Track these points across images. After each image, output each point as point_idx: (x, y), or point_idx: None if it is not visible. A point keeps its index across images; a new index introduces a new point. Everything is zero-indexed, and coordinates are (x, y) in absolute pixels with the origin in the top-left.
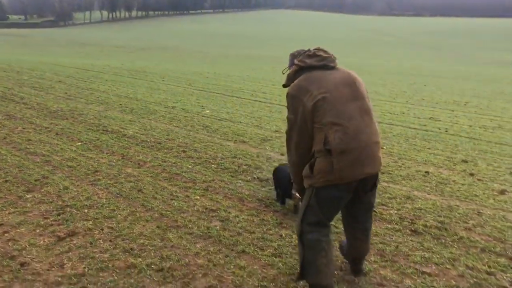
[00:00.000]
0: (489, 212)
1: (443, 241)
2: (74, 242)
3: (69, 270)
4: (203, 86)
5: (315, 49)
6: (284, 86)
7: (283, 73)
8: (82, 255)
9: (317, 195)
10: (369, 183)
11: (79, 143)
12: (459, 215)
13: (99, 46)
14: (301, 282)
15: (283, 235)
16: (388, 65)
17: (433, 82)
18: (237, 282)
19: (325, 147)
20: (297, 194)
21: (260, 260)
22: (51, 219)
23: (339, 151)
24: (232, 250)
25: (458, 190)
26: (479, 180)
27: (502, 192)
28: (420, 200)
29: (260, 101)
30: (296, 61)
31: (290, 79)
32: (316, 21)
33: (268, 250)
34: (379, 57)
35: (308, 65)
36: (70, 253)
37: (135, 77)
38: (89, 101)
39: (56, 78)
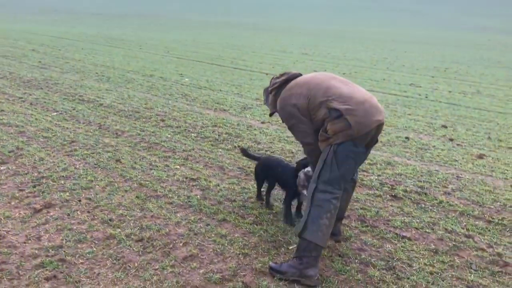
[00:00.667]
0: (467, 177)
1: (423, 205)
2: (51, 214)
3: (46, 242)
4: (182, 53)
5: (275, 76)
6: (271, 114)
7: (270, 116)
8: (59, 227)
9: (335, 151)
10: (378, 134)
11: (55, 113)
12: (438, 179)
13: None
14: (283, 249)
15: (263, 202)
16: (368, 31)
17: (413, 48)
18: (218, 250)
19: (333, 113)
20: (305, 192)
21: (241, 228)
22: (26, 191)
23: (348, 110)
24: (213, 219)
25: (438, 156)
26: (458, 145)
27: (480, 156)
28: (400, 166)
29: (240, 69)
30: (269, 89)
31: (273, 105)
32: None
33: (249, 218)
34: (359, 23)
35: (280, 82)
36: (47, 225)
37: (112, 45)
38: (64, 70)
39: (29, 46)
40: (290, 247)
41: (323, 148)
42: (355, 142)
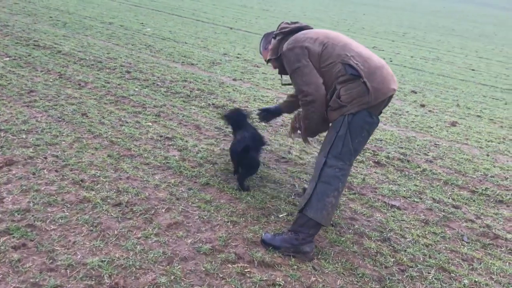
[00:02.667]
0: (445, 144)
1: (407, 173)
2: (13, 172)
3: (11, 205)
4: (140, 2)
5: (286, 22)
6: (268, 61)
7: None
8: (24, 187)
9: (350, 122)
10: (388, 104)
11: (7, 59)
12: (418, 146)
13: None
14: (272, 217)
15: None
16: None
17: (371, 11)
18: (205, 217)
19: (349, 71)
20: (293, 135)
21: (227, 193)
22: None
23: (368, 72)
24: (195, 182)
25: (412, 121)
26: (430, 111)
27: (453, 124)
28: (378, 131)
29: (202, 21)
30: (276, 32)
31: (275, 50)
32: None
33: (233, 183)
34: None
35: (292, 28)
36: (10, 185)
37: None
38: (13, 11)
39: None
40: (280, 215)
41: (333, 118)
42: (370, 112)
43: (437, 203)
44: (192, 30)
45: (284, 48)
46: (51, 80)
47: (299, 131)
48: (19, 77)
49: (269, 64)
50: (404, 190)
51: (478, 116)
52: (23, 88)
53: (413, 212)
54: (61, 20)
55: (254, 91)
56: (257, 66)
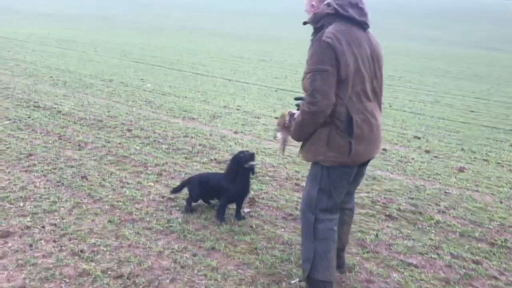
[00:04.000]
0: (455, 192)
1: (420, 226)
2: (9, 244)
3: (5, 283)
4: (140, 57)
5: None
6: (305, 23)
7: (304, 24)
8: (20, 261)
9: (330, 176)
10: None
11: (7, 122)
12: (428, 196)
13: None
14: (284, 284)
15: (254, 226)
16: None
17: None
18: (212, 287)
19: (347, 127)
20: (279, 134)
21: (234, 258)
22: None
23: (360, 136)
24: (200, 247)
25: (419, 169)
26: (435, 157)
27: (461, 169)
28: (386, 181)
29: (202, 74)
30: (334, 2)
31: (316, 20)
32: None
33: (241, 246)
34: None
35: (347, 16)
36: (5, 259)
37: (64, 47)
38: (15, 73)
39: None
40: (292, 282)
41: (307, 159)
42: (346, 165)
43: (456, 258)
44: (191, 84)
45: (323, 37)
46: (50, 142)
47: (279, 133)
48: (18, 140)
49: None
50: (420, 246)
51: (485, 160)
52: (22, 152)
53: (432, 270)
54: (62, 79)
55: (256, 144)
56: (258, 118)
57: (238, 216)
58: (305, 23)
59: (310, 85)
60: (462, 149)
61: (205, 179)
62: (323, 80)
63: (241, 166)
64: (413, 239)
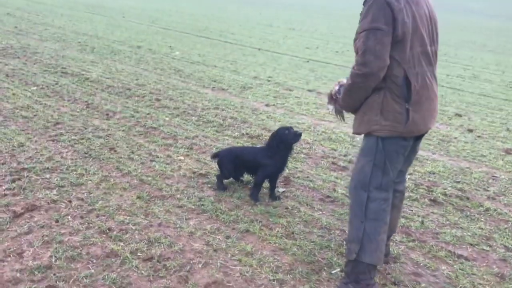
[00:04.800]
0: (504, 176)
1: (469, 213)
2: (35, 219)
3: (31, 261)
4: (168, 24)
5: None
6: None
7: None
8: (46, 238)
9: (384, 149)
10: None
11: (35, 88)
12: (475, 180)
13: None
14: (324, 273)
15: (290, 208)
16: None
17: None
18: (247, 274)
19: (404, 92)
20: (330, 106)
21: (270, 242)
22: (3, 187)
23: (417, 102)
24: (233, 229)
25: (463, 149)
26: (479, 137)
27: (508, 151)
28: (429, 162)
29: (230, 43)
30: None
31: None
32: None
33: (276, 230)
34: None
35: None
36: (31, 235)
37: (92, 12)
38: (43, 38)
39: (4, 10)
40: (333, 271)
41: (359, 131)
42: (402, 136)
43: (510, 251)
44: (221, 53)
45: None
46: (78, 110)
47: (329, 105)
48: (46, 107)
49: None
50: (470, 235)
51: None
52: (49, 120)
53: (484, 264)
54: (90, 45)
55: (289, 118)
56: (290, 90)
57: (273, 196)
58: None
59: (363, 44)
60: (508, 129)
61: (239, 153)
62: (377, 39)
63: (283, 143)
64: (461, 228)
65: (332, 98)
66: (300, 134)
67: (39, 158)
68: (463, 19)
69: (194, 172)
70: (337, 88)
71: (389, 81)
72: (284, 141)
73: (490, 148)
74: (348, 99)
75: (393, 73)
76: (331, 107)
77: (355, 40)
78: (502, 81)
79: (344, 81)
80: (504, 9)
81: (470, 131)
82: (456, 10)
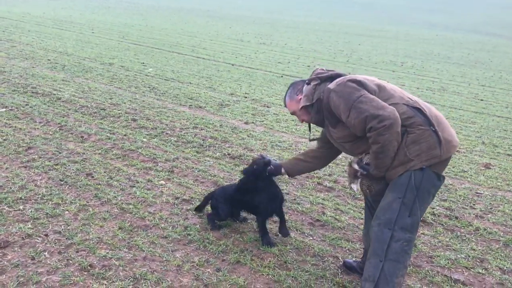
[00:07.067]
0: (487, 193)
1: (459, 233)
2: (9, 257)
3: None
4: (138, 39)
5: (321, 68)
6: (305, 107)
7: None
8: (22, 278)
9: (418, 187)
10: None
11: (3, 109)
12: (460, 198)
13: None
14: None
15: (280, 234)
16: (320, 23)
17: (366, 41)
18: None
19: (419, 115)
20: (354, 186)
21: (262, 274)
22: None
23: (436, 120)
24: (223, 260)
25: None
26: (457, 151)
27: (487, 166)
28: None
29: (203, 58)
30: (313, 76)
31: (309, 97)
32: None
33: (268, 260)
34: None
35: (331, 74)
36: (4, 276)
37: (61, 28)
38: (10, 56)
39: None
40: None
41: (393, 176)
42: (438, 174)
43: (506, 274)
44: (194, 69)
45: (332, 87)
46: (50, 132)
47: (354, 185)
48: (16, 130)
49: (297, 114)
50: (463, 258)
51: (509, 155)
52: (20, 144)
53: None
54: (60, 62)
55: (269, 136)
56: (267, 106)
57: (284, 231)
58: (293, 113)
59: (365, 112)
60: (483, 143)
61: (234, 192)
62: (367, 100)
63: (261, 177)
64: (454, 250)
65: (356, 177)
66: (268, 161)
67: (10, 187)
68: (426, 32)
69: (177, 198)
70: (357, 167)
71: (402, 120)
72: (260, 175)
73: (470, 163)
74: (384, 159)
75: (399, 113)
76: (355, 186)
77: (349, 128)
78: (469, 93)
79: (361, 157)
80: (464, 22)
81: None
82: (417, 23)
